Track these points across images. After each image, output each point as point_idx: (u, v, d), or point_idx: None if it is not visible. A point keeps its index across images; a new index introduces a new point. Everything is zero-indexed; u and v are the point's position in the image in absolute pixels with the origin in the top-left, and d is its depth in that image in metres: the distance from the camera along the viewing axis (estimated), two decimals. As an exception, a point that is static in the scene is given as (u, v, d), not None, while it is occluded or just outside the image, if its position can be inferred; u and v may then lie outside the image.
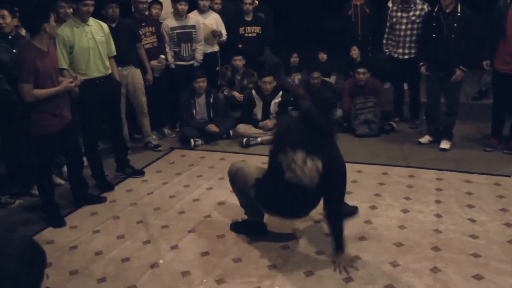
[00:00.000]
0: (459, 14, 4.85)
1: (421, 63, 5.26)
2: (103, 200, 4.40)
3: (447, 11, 4.88)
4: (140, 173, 4.99)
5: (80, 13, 4.34)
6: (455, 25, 4.85)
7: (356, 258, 3.25)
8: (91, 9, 4.36)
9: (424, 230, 3.56)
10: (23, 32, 4.86)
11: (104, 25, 4.61)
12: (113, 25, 5.11)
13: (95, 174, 4.68)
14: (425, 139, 5.43)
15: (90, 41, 4.40)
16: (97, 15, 4.80)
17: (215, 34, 6.47)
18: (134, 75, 5.40)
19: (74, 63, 4.37)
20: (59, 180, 4.78)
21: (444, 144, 5.20)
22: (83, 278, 3.22)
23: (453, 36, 4.86)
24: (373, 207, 3.96)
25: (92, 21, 4.47)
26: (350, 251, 3.30)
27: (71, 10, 4.83)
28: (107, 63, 4.57)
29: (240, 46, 6.73)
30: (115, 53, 4.71)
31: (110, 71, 4.61)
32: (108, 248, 3.57)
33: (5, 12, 4.11)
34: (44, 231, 3.90)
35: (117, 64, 4.91)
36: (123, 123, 5.16)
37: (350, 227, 3.59)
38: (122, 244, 3.63)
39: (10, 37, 4.21)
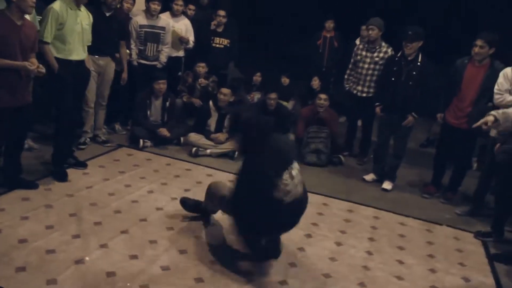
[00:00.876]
0: (419, 63, 5.04)
1: (376, 104, 5.42)
2: (36, 186, 4.24)
3: (409, 58, 5.06)
4: (82, 165, 4.86)
5: None
6: (414, 73, 5.03)
7: None
8: None
9: (353, 265, 3.63)
10: None
11: (90, 14, 4.71)
12: (108, 14, 5.22)
13: (63, 154, 4.63)
14: (369, 177, 5.57)
15: (77, 26, 4.48)
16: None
17: (182, 40, 6.47)
18: (109, 67, 5.43)
19: (59, 41, 4.41)
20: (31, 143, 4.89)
21: (387, 185, 5.35)
22: (0, 265, 3.08)
23: (410, 83, 5.03)
24: (309, 236, 4.01)
25: (82, 7, 4.54)
26: (276, 276, 3.33)
27: None
28: (85, 50, 4.66)
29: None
30: (90, 43, 4.77)
31: (83, 57, 4.65)
32: (34, 237, 3.44)
33: None
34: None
35: (97, 52, 5.14)
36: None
37: (283, 252, 3.63)
38: (50, 234, 3.51)
39: None
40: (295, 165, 3.21)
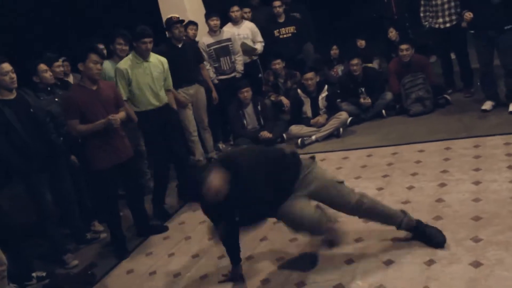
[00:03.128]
0: None
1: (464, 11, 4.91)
2: (165, 229, 4.44)
3: None
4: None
5: (140, 51, 4.51)
6: None
7: None
8: (150, 46, 4.50)
9: (501, 200, 3.38)
10: (70, 79, 5.13)
11: (164, 60, 4.74)
12: (179, 45, 5.44)
13: (155, 200, 4.78)
14: (488, 105, 5.14)
15: (147, 77, 4.56)
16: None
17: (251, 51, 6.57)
18: (199, 93, 5.64)
19: (132, 95, 4.58)
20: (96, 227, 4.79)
21: None
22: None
23: None
24: (442, 185, 3.82)
25: (152, 56, 4.63)
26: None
27: (127, 47, 5.10)
28: (162, 95, 4.67)
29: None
30: (171, 87, 4.89)
31: (164, 102, 4.70)
32: (185, 269, 3.65)
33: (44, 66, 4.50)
34: (123, 261, 4.04)
35: (184, 83, 5.41)
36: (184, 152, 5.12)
37: (421, 209, 3.50)
38: (197, 262, 3.69)
39: (49, 88, 4.53)
40: None
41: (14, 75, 3.82)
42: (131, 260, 4.04)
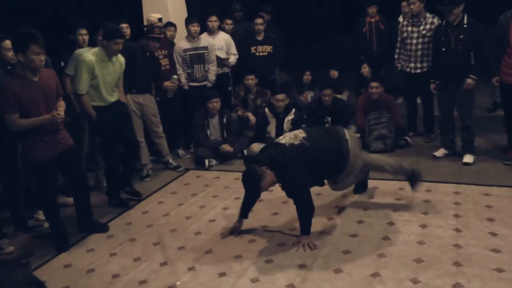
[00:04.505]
0: (465, 26, 4.85)
1: (431, 81, 5.26)
2: (106, 229, 4.30)
3: (454, 24, 4.88)
4: (136, 195, 4.99)
5: (109, 50, 4.43)
6: (462, 36, 4.85)
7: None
8: (120, 47, 4.45)
9: (444, 245, 3.50)
10: None
11: (123, 61, 4.70)
12: (148, 54, 5.41)
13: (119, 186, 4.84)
14: (440, 152, 5.38)
15: (109, 76, 4.53)
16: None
17: (223, 62, 6.57)
18: (147, 101, 5.49)
19: (92, 90, 4.47)
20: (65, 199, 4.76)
21: (467, 158, 5.10)
22: (101, 302, 3.21)
23: (459, 48, 4.86)
24: (391, 223, 3.91)
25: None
26: (368, 269, 3.27)
27: (87, 37, 5.01)
28: (116, 92, 4.70)
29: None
30: (120, 85, 4.83)
31: (116, 98, 4.69)
32: (125, 271, 3.57)
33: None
34: (62, 254, 3.91)
35: (136, 91, 5.32)
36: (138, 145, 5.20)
37: (368, 243, 3.57)
38: (139, 266, 3.62)
39: (9, 67, 4.19)
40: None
41: None
42: (71, 254, 3.91)
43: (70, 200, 4.53)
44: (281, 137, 3.98)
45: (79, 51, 4.72)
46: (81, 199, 4.25)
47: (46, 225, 4.40)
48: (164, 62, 5.91)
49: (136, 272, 3.53)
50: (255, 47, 6.87)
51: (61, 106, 3.89)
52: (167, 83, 5.76)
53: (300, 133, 3.86)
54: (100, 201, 4.85)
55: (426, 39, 5.60)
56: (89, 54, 4.43)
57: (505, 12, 4.78)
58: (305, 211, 3.69)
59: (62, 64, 5.02)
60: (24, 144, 3.84)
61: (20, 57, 3.57)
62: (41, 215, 4.52)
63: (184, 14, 6.98)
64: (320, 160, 3.73)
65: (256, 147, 5.85)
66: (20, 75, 3.67)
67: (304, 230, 3.73)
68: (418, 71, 5.78)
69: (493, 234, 3.59)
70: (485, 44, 4.86)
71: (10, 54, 4.06)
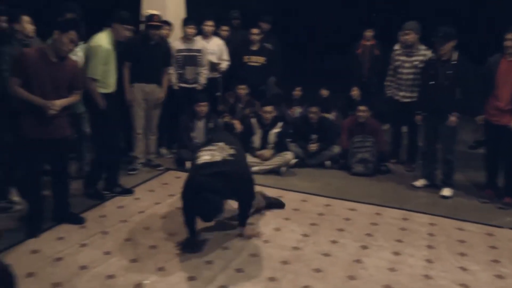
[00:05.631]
0: (454, 62, 4.94)
1: (417, 112, 5.35)
2: (82, 221, 4.21)
3: (443, 59, 4.98)
4: (128, 192, 4.95)
5: (119, 35, 4.52)
6: (450, 72, 4.94)
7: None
8: (128, 34, 4.57)
9: (414, 275, 3.52)
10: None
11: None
12: (152, 43, 5.43)
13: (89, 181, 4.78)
14: (420, 182, 5.44)
15: (114, 61, 4.57)
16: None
17: (214, 66, 6.58)
18: (154, 94, 5.54)
19: (102, 77, 4.48)
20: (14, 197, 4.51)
21: (446, 192, 5.16)
22: (65, 292, 3.15)
23: (446, 83, 4.95)
24: (364, 247, 3.93)
25: None
26: (338, 288, 3.27)
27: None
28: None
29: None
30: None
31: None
32: (93, 263, 3.51)
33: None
34: (31, 239, 3.83)
35: (145, 80, 5.40)
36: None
37: (339, 264, 3.58)
38: (108, 260, 3.57)
39: (24, 41, 4.32)
40: None
41: None
42: (40, 241, 3.83)
43: (17, 198, 4.46)
44: (203, 156, 3.77)
45: (94, 38, 4.63)
46: (59, 191, 4.18)
47: (18, 207, 4.32)
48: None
49: (105, 266, 3.48)
50: (248, 56, 6.85)
51: (63, 101, 3.88)
52: None
53: (221, 148, 3.90)
54: (76, 191, 4.76)
55: (417, 70, 5.66)
56: (102, 40, 4.47)
57: (494, 54, 4.89)
58: (250, 207, 4.05)
59: None
60: (21, 116, 3.83)
61: (56, 35, 3.73)
62: (14, 197, 4.43)
63: (182, 15, 6.97)
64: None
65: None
66: (43, 50, 3.79)
67: (245, 223, 4.04)
68: (407, 100, 5.84)
69: (463, 269, 3.63)
70: (471, 82, 4.96)
71: (30, 27, 4.31)
